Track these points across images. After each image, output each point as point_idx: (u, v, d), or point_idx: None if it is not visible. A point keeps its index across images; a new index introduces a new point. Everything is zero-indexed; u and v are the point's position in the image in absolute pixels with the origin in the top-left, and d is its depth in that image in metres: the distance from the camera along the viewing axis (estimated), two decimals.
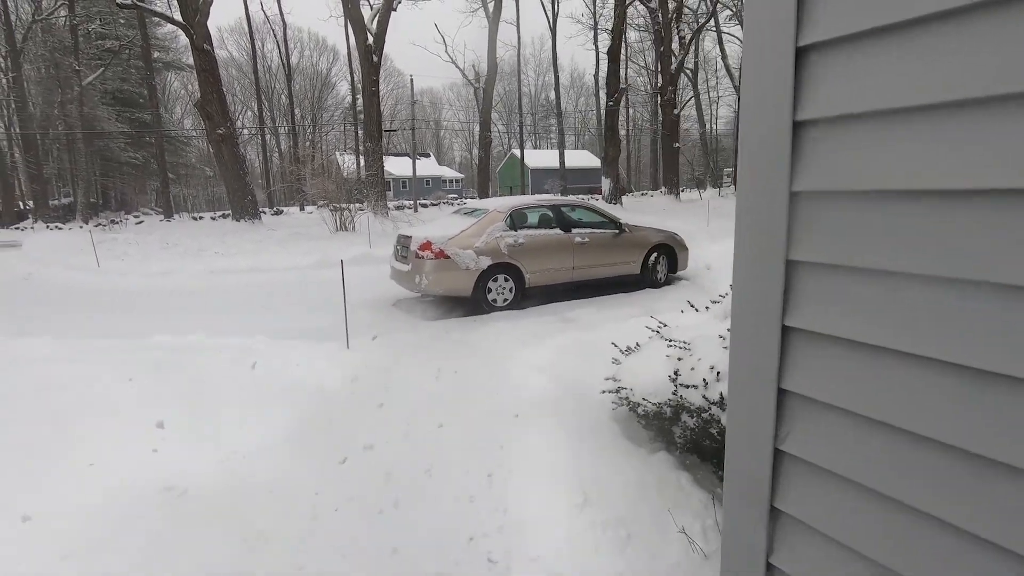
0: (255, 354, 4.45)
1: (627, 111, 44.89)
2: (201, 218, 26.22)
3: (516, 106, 53.43)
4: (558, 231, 7.05)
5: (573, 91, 66.18)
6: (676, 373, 2.60)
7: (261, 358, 4.34)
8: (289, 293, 8.36)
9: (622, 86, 25.05)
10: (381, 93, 33.02)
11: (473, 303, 6.62)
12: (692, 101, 40.95)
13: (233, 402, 3.65)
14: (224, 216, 24.09)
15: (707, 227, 16.07)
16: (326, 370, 4.17)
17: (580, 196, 35.42)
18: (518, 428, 3.33)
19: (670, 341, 2.79)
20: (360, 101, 29.48)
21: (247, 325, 6.39)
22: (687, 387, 2.48)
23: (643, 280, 7.80)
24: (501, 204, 6.91)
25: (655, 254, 7.79)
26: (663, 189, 29.85)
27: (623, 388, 2.95)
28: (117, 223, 21.41)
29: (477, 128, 45.87)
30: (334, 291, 7.96)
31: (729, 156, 52.90)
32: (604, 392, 3.19)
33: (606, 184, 25.45)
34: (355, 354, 4.69)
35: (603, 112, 43.78)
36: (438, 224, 7.25)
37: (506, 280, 6.71)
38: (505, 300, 6.74)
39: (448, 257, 6.30)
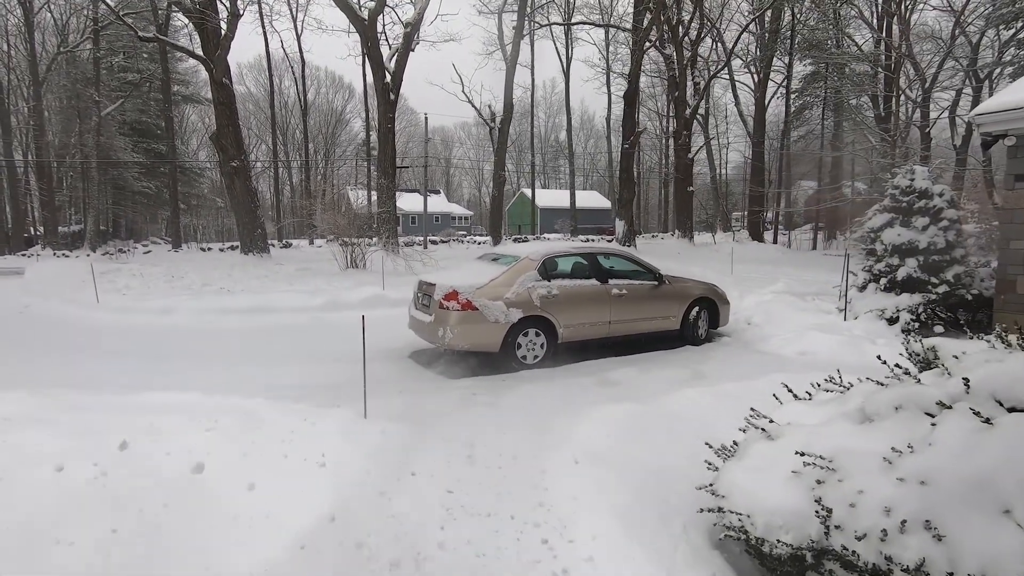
0: (255, 423, 3.79)
1: (638, 154, 44.97)
2: (209, 249, 25.91)
3: (526, 146, 53.92)
4: (594, 282, 6.45)
5: (583, 133, 67.01)
6: (826, 511, 1.93)
7: (258, 431, 3.68)
8: (297, 339, 7.73)
9: (638, 129, 24.93)
10: (395, 130, 33.23)
11: (500, 359, 5.97)
12: (702, 145, 41.08)
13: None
14: (233, 248, 23.74)
15: (731, 274, 15.52)
16: (340, 455, 3.49)
17: (592, 238, 35.17)
18: (585, 551, 2.64)
19: (805, 457, 2.13)
20: (374, 137, 29.53)
21: (248, 378, 5.77)
22: (855, 537, 1.81)
23: (683, 336, 7.15)
24: (533, 251, 6.34)
25: (696, 308, 7.17)
26: (676, 232, 29.45)
27: (732, 512, 2.28)
28: (125, 252, 21.03)
29: (487, 167, 46.06)
30: (346, 337, 7.36)
31: (738, 200, 52.86)
32: (703, 511, 2.51)
33: (620, 226, 25.04)
34: (373, 427, 4.02)
35: (614, 154, 43.97)
36: (463, 271, 6.67)
37: (537, 335, 6.08)
38: (536, 357, 6.10)
39: (476, 309, 5.70)
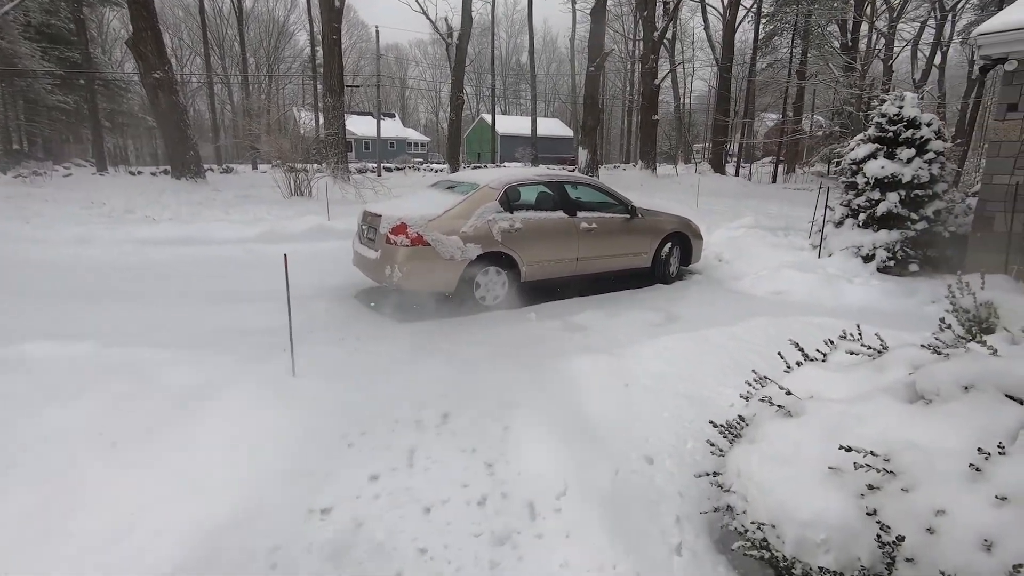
0: (151, 387, 3.09)
1: (603, 79, 43.22)
2: (139, 173, 23.69)
3: (486, 68, 50.96)
4: (561, 214, 5.79)
5: (545, 56, 63.85)
6: (891, 536, 1.44)
7: (154, 396, 2.99)
8: (229, 275, 6.85)
9: (605, 50, 23.49)
10: (343, 45, 30.41)
11: (456, 300, 5.35)
12: (668, 72, 39.67)
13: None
14: (166, 172, 21.70)
15: (696, 207, 15.12)
16: (254, 428, 2.84)
17: (553, 167, 34.12)
18: (559, 556, 2.14)
19: (856, 454, 1.62)
20: (320, 53, 26.99)
21: (167, 322, 4.97)
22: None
23: (654, 274, 6.67)
24: (494, 179, 5.58)
25: (668, 244, 6.65)
26: (639, 163, 28.74)
27: (749, 520, 1.78)
28: (41, 175, 18.85)
29: (445, 89, 43.41)
30: (282, 273, 6.57)
31: (699, 132, 52.22)
32: (707, 512, 2.02)
33: (583, 155, 24.13)
34: (303, 387, 3.37)
35: (577, 79, 42.04)
36: (414, 200, 5.88)
37: (498, 273, 5.45)
38: (496, 298, 5.50)
39: (428, 244, 4.98)
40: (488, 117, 48.45)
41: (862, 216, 7.00)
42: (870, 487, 1.56)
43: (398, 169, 31.97)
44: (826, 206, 7.35)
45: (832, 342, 2.68)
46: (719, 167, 29.02)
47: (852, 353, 2.33)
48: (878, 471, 1.56)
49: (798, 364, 2.63)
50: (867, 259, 6.85)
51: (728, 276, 7.00)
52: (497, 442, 2.97)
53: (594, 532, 2.16)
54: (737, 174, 29.77)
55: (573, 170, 26.59)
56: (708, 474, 2.11)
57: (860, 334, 2.59)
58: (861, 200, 7.03)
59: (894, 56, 26.13)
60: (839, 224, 7.33)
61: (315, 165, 16.59)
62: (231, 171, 26.48)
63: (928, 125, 6.80)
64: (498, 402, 3.41)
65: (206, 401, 2.95)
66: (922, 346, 2.15)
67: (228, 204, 13.15)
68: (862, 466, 1.57)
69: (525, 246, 5.47)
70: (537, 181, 5.86)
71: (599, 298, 6.05)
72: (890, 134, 6.92)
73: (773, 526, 1.68)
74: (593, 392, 3.38)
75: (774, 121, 37.04)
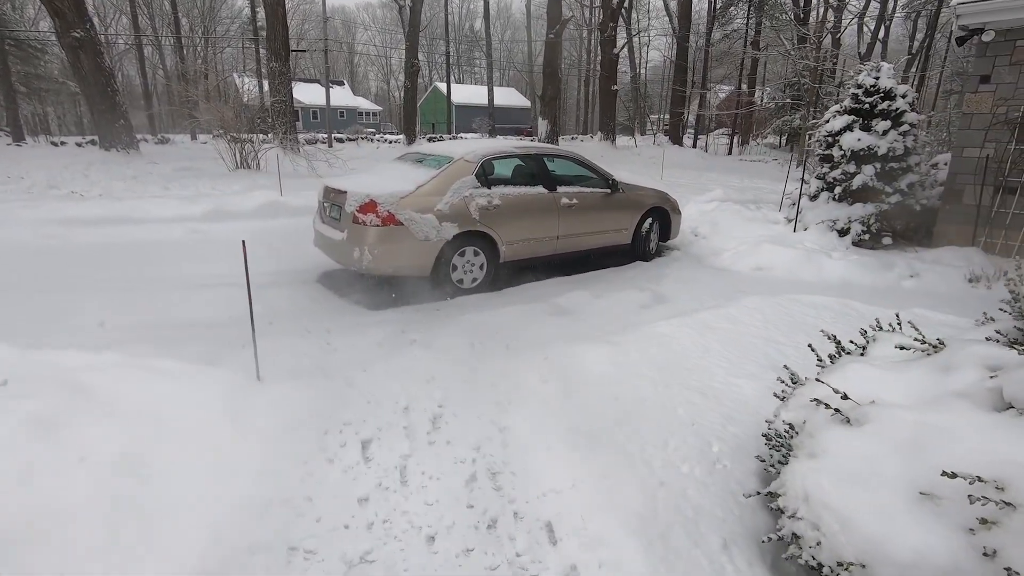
0: (75, 406, 2.60)
1: (560, 49, 42.41)
2: (63, 144, 21.67)
3: (439, 34, 49.13)
4: (541, 189, 5.43)
5: (499, 23, 62.19)
6: None
7: (80, 421, 2.51)
8: (171, 260, 6.17)
9: (564, 16, 22.86)
10: (287, 7, 28.50)
11: (432, 283, 4.95)
12: (626, 41, 39.26)
13: None
14: (93, 143, 19.91)
15: (661, 179, 15.01)
16: (222, 455, 2.41)
17: (511, 138, 33.43)
18: None
19: (960, 480, 1.38)
20: (261, 15, 25.17)
21: (98, 318, 4.37)
22: None
23: (634, 251, 6.42)
24: (469, 151, 5.14)
25: (649, 219, 6.40)
26: (598, 134, 28.46)
27: (821, 550, 1.53)
28: None
29: (396, 55, 41.64)
30: (236, 255, 5.96)
31: (655, 103, 52.32)
32: (768, 541, 1.76)
33: (543, 126, 23.67)
34: (270, 394, 2.94)
35: (534, 46, 41.14)
36: (381, 175, 5.38)
37: (476, 254, 5.07)
38: (474, 281, 5.13)
39: (401, 224, 4.54)
40: (442, 86, 46.96)
41: (838, 189, 6.94)
42: (983, 521, 1.32)
43: (350, 140, 30.53)
44: (802, 180, 7.25)
45: (866, 332, 2.46)
46: (677, 139, 29.10)
47: (903, 348, 2.11)
48: (995, 503, 1.32)
49: (831, 358, 2.40)
50: (842, 233, 6.81)
51: (707, 252, 6.84)
52: (498, 448, 2.66)
53: (630, 560, 1.89)
54: (695, 146, 29.93)
55: (533, 141, 26.07)
56: (761, 494, 1.85)
57: (900, 324, 2.38)
58: (837, 173, 6.96)
59: (842, 29, 26.64)
60: (814, 198, 7.26)
61: (262, 136, 15.52)
62: (167, 142, 24.65)
63: (903, 96, 6.74)
64: (491, 400, 3.09)
65: (152, 421, 2.49)
66: (988, 339, 1.93)
67: (166, 178, 12.10)
68: (979, 499, 1.32)
69: (504, 224, 5.09)
70: (515, 153, 5.46)
71: (581, 277, 5.76)
72: (866, 106, 6.84)
73: (863, 566, 1.44)
74: (594, 386, 3.10)
75: (727, 93, 37.40)
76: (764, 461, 2.05)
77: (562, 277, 5.71)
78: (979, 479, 1.38)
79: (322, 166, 13.56)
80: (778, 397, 2.30)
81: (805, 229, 7.08)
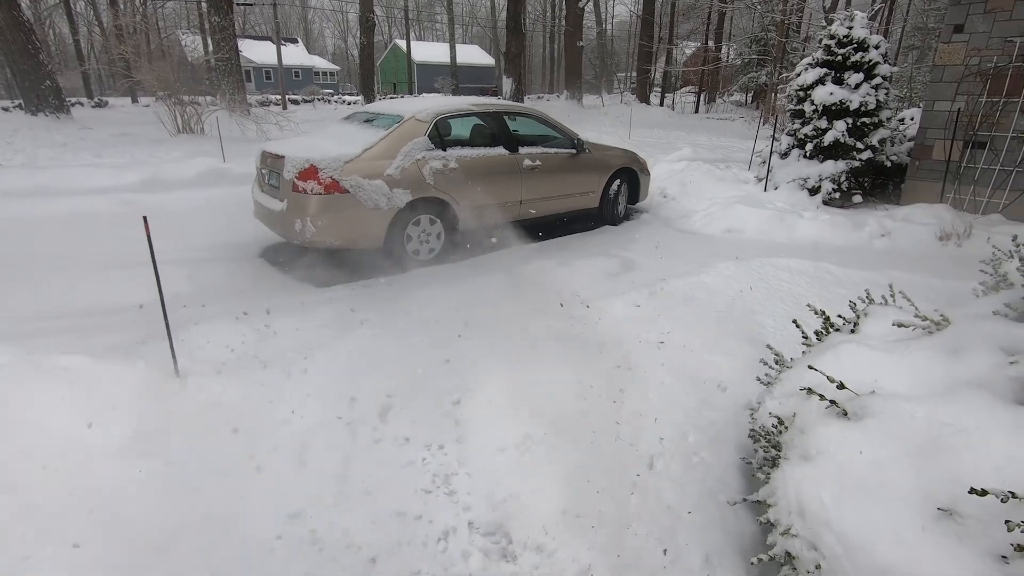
0: None
1: (524, 1, 40.89)
2: None
3: None
4: (501, 150, 5.03)
5: None
6: None
7: None
8: (93, 236, 5.60)
9: None
10: None
11: (385, 255, 4.56)
12: None
13: None
14: (20, 107, 18.33)
15: (629, 139, 14.65)
16: (120, 477, 2.06)
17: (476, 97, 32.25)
18: None
19: (992, 497, 1.14)
20: None
21: (8, 305, 3.88)
22: None
23: (601, 215, 6.12)
24: (420, 109, 4.69)
25: (617, 181, 6.09)
26: (565, 93, 27.73)
27: None
28: None
29: (353, 10, 39.46)
30: (172, 230, 5.44)
31: (620, 60, 51.35)
32: (756, 563, 1.52)
33: (507, 84, 22.86)
34: (195, 389, 2.57)
35: (499, 2, 39.50)
36: (324, 137, 4.89)
37: (432, 223, 4.69)
38: (432, 251, 4.76)
39: (346, 191, 4.12)
40: (402, 44, 44.99)
41: (809, 146, 6.72)
42: (1019, 548, 1.09)
43: (306, 101, 29.09)
44: (773, 137, 7.01)
45: (855, 304, 2.23)
46: (644, 97, 28.61)
47: (901, 325, 1.87)
48: None
49: (818, 335, 2.16)
50: (813, 191, 6.64)
51: (677, 214, 6.59)
52: (452, 444, 2.38)
53: None
54: (662, 104, 29.51)
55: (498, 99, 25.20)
56: (747, 501, 1.61)
57: (893, 295, 2.14)
58: (808, 129, 6.73)
59: None
60: (785, 155, 7.05)
61: (208, 97, 14.47)
62: (105, 105, 23.01)
63: (876, 47, 6.49)
64: (446, 387, 2.79)
65: (26, 443, 2.11)
66: (995, 313, 1.70)
67: (101, 144, 11.17)
68: (1016, 524, 1.09)
69: (462, 189, 4.71)
70: (471, 111, 5.02)
71: (546, 244, 5.45)
72: (838, 57, 6.57)
73: None
74: (561, 370, 2.82)
75: (693, 49, 36.83)
76: (750, 463, 1.81)
77: (526, 244, 5.37)
78: (1013, 495, 1.14)
79: (272, 129, 12.72)
80: (761, 382, 2.06)
81: (776, 188, 6.88)
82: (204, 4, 22.69)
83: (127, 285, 4.23)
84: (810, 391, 1.71)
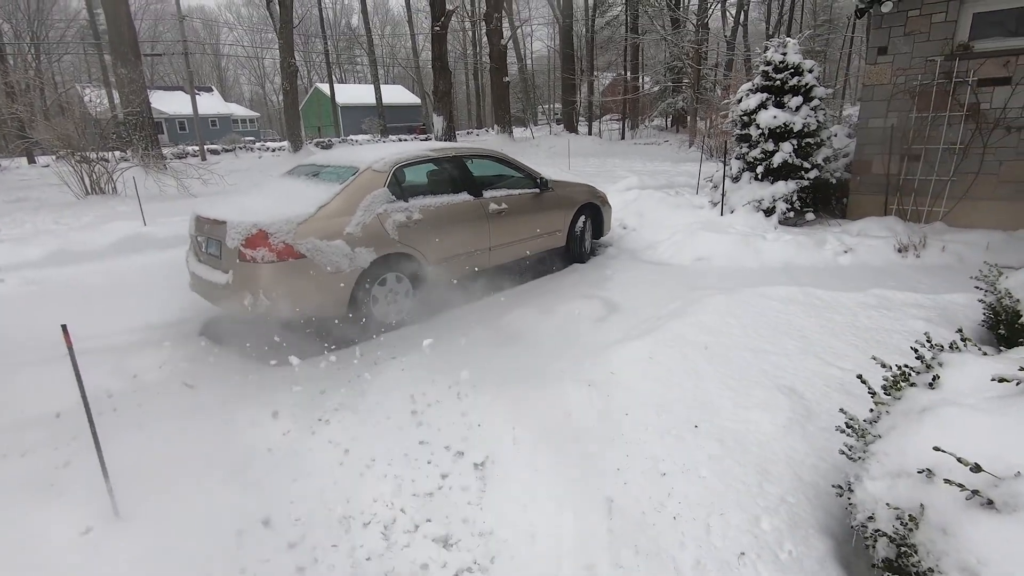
0: None
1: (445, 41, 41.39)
2: None
3: (314, 32, 46.32)
4: (466, 196, 4.70)
5: (377, 19, 59.83)
6: None
7: None
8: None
9: (449, 7, 22.01)
10: (134, 9, 25.22)
11: (350, 321, 4.07)
12: (511, 34, 39.05)
13: None
14: None
15: (569, 170, 14.75)
16: None
17: (405, 138, 32.13)
18: None
19: None
20: (102, 16, 21.99)
21: None
22: None
23: (568, 254, 5.89)
24: (376, 159, 4.30)
25: (582, 217, 5.89)
26: (496, 127, 28.01)
27: None
28: None
29: (269, 55, 38.60)
30: (90, 310, 4.72)
31: (543, 93, 52.87)
32: None
33: (438, 122, 22.73)
34: (138, 537, 2.02)
35: (417, 40, 39.83)
36: (268, 195, 4.39)
37: (399, 280, 4.26)
38: (400, 312, 4.32)
39: (303, 256, 3.64)
40: (324, 87, 44.44)
41: (759, 168, 6.83)
42: None
43: (226, 150, 27.83)
44: (724, 162, 7.08)
45: (917, 350, 2.01)
46: (571, 127, 29.36)
47: (1003, 380, 1.65)
48: None
49: (887, 390, 1.93)
50: (768, 212, 6.71)
51: (642, 245, 6.47)
52: None
53: None
54: (590, 132, 30.35)
55: (427, 139, 25.03)
56: None
57: (964, 340, 1.94)
58: (757, 152, 6.85)
59: (708, 14, 28.18)
60: (736, 179, 7.13)
61: (118, 153, 13.40)
62: None
63: (810, 71, 6.73)
64: (454, 502, 2.36)
65: None
66: None
67: None
68: None
69: (429, 241, 4.33)
70: (430, 157, 4.68)
71: (519, 291, 5.13)
72: (777, 82, 6.76)
73: None
74: (581, 445, 2.47)
75: (610, 79, 38.40)
76: (852, 560, 1.50)
77: (499, 293, 5.04)
78: None
79: (194, 184, 11.88)
80: (849, 457, 1.79)
81: (732, 212, 6.92)
82: (107, 56, 21.38)
83: (39, 387, 3.53)
84: (929, 473, 1.44)
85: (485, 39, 29.88)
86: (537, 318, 4.32)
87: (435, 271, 4.43)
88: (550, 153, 20.37)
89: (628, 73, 31.13)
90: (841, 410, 1.89)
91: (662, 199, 7.77)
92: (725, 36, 33.15)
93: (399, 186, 4.28)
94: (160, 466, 2.53)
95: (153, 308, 4.88)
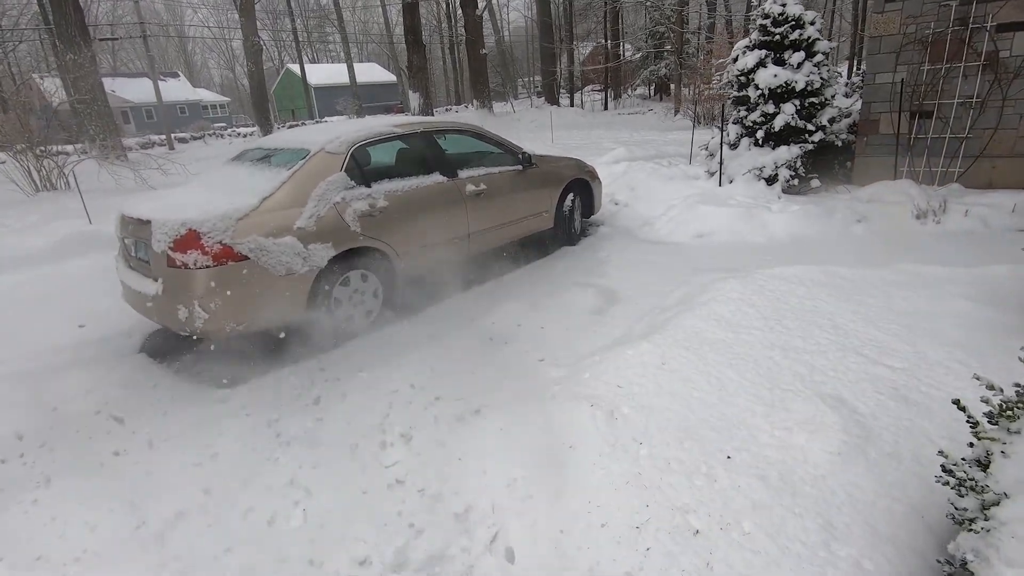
0: None
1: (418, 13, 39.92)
2: None
3: (281, 10, 44.44)
4: (438, 177, 4.12)
5: None
6: None
7: None
8: None
9: None
10: None
11: (309, 330, 3.51)
12: (487, 3, 37.67)
13: None
14: None
15: (552, 143, 14.12)
16: None
17: (382, 116, 30.97)
18: None
19: None
20: None
21: None
22: None
23: (556, 236, 5.34)
24: (331, 139, 3.68)
25: (570, 195, 5.33)
26: (474, 102, 27.07)
27: None
28: None
29: (238, 39, 37.00)
30: (11, 326, 4.13)
31: (522, 65, 51.56)
32: None
33: (415, 99, 21.83)
34: None
35: (390, 14, 38.33)
36: (206, 187, 3.78)
37: (364, 279, 3.70)
38: (369, 313, 3.76)
39: (245, 258, 3.07)
40: (295, 68, 42.78)
41: (760, 133, 6.29)
42: None
43: (195, 138, 26.66)
44: (722, 128, 6.52)
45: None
46: (553, 99, 28.51)
47: None
48: None
49: (992, 419, 1.43)
50: (770, 181, 6.19)
51: (636, 223, 5.93)
52: None
53: None
54: (572, 104, 29.53)
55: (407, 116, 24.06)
56: None
57: None
58: (756, 116, 6.29)
59: None
60: (734, 146, 6.59)
61: (76, 145, 12.54)
62: None
63: (812, 23, 6.15)
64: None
65: None
66: None
67: None
68: None
69: (397, 231, 3.76)
70: (395, 134, 4.07)
71: (505, 282, 4.59)
72: (776, 36, 6.18)
73: None
74: (594, 492, 1.97)
75: (590, 48, 37.36)
76: None
77: (481, 285, 4.50)
78: None
79: (154, 175, 11.09)
80: (956, 520, 1.29)
81: (731, 182, 6.39)
82: (58, 42, 20.13)
83: None
84: None
85: (460, 11, 28.76)
86: (526, 315, 3.79)
87: (406, 265, 3.87)
88: (530, 127, 19.63)
89: (609, 41, 30.20)
90: (940, 452, 1.39)
91: (654, 170, 7.22)
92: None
93: (359, 169, 3.69)
94: (59, 546, 2.00)
95: (93, 318, 4.28)
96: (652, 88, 32.00)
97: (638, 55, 30.70)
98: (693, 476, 1.90)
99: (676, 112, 20.43)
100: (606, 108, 29.04)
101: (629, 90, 33.41)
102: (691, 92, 19.00)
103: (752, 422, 2.17)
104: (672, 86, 26.62)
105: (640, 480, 1.91)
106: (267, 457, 2.49)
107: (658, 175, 7.05)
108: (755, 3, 6.66)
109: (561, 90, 32.08)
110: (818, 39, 6.10)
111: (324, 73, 48.32)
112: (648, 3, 27.31)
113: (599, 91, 32.91)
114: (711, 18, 30.34)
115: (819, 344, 2.73)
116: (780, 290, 3.42)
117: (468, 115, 25.08)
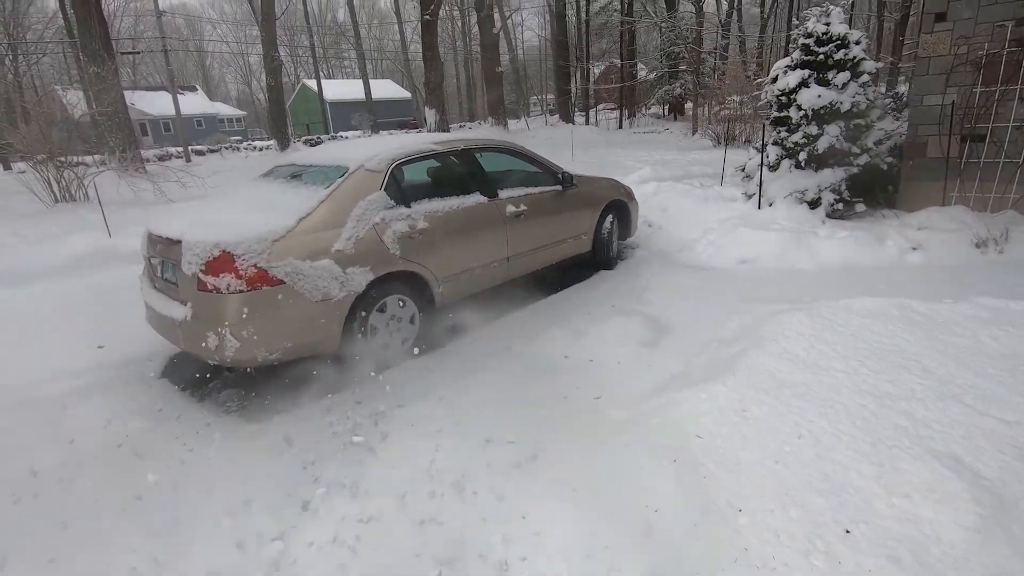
0: None
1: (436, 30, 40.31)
2: None
3: (299, 27, 45.07)
4: (479, 197, 3.91)
5: (363, 12, 58.47)
6: None
7: None
8: None
9: None
10: (112, 6, 24.18)
11: (342, 358, 3.28)
12: (502, 26, 38.01)
13: None
14: None
15: (572, 161, 13.94)
16: None
17: (395, 133, 31.20)
18: None
19: None
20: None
21: None
22: None
23: (595, 259, 5.11)
24: (370, 156, 3.49)
25: (609, 217, 5.11)
26: (489, 119, 27.08)
27: None
28: None
29: (255, 54, 37.52)
30: (27, 346, 3.93)
31: (534, 84, 51.89)
32: None
33: (431, 115, 21.84)
34: None
35: (406, 31, 38.78)
36: (238, 205, 3.58)
37: (401, 304, 3.47)
38: (404, 341, 3.53)
39: (281, 282, 2.85)
40: (311, 83, 43.27)
41: (802, 155, 6.05)
42: None
43: (212, 151, 26.79)
44: (763, 149, 6.29)
45: None
46: (567, 116, 28.51)
47: None
48: None
49: None
50: (813, 204, 5.95)
51: (674, 246, 5.69)
52: None
53: None
54: (587, 122, 29.50)
55: (422, 132, 24.10)
56: None
57: None
58: (798, 137, 6.07)
59: None
60: (774, 167, 6.35)
61: (96, 156, 12.52)
62: None
63: (857, 43, 5.94)
64: None
65: None
66: None
67: None
68: None
69: (437, 254, 3.54)
70: (434, 152, 3.87)
71: (542, 306, 4.35)
72: (820, 56, 5.97)
73: None
74: (695, 566, 1.71)
75: (603, 67, 37.44)
76: None
77: (519, 310, 4.26)
78: None
79: (173, 188, 11.01)
80: None
81: (771, 204, 6.14)
82: (82, 56, 20.36)
83: None
84: None
85: (475, 29, 28.90)
86: (571, 345, 3.55)
87: (444, 290, 3.65)
88: (545, 144, 19.44)
89: (624, 60, 30.24)
90: None
91: (686, 192, 6.99)
92: (719, 18, 32.30)
93: (399, 188, 3.49)
94: None
95: (112, 339, 4.09)
96: (666, 108, 31.95)
97: (654, 75, 30.72)
98: (810, 555, 1.63)
99: (694, 132, 20.29)
100: (621, 127, 28.97)
101: (643, 109, 33.38)
102: (707, 111, 18.85)
103: (861, 485, 1.90)
104: (689, 105, 26.57)
105: (748, 558, 1.64)
106: (305, 506, 2.25)
107: (691, 197, 6.82)
108: (796, 23, 6.50)
109: (576, 108, 32.09)
110: (864, 59, 5.89)
111: (340, 89, 48.83)
112: (664, 24, 27.44)
113: (612, 110, 32.90)
114: (725, 39, 30.37)
115: (913, 391, 2.46)
116: (852, 325, 3.16)
117: (484, 131, 25.08)
